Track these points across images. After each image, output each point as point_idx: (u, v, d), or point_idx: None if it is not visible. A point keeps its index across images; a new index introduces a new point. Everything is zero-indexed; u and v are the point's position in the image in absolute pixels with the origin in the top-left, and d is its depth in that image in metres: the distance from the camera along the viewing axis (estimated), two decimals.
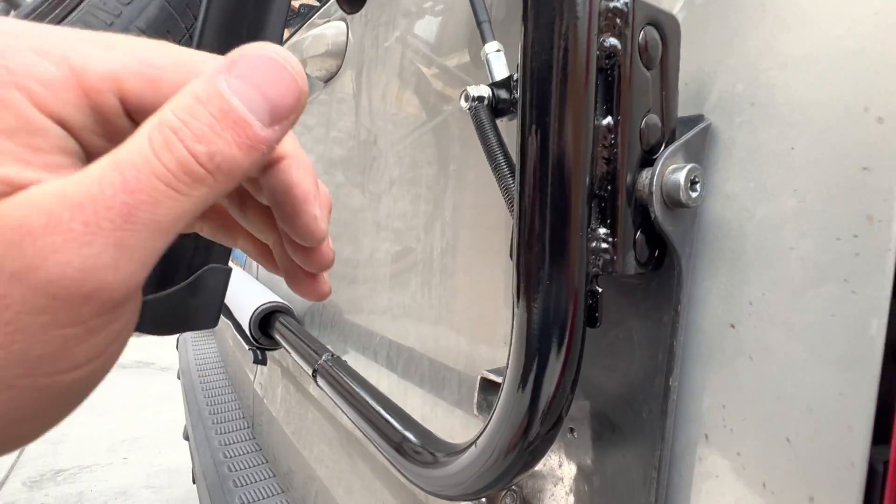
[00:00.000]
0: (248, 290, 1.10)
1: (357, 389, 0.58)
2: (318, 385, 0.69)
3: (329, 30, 0.99)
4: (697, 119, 0.36)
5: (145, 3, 0.47)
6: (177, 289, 0.49)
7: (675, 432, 0.37)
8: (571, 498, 0.43)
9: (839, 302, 0.30)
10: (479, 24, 0.46)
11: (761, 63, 0.34)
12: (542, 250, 0.31)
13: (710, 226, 0.36)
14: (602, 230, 0.32)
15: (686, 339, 0.37)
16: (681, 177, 0.32)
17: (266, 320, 1.00)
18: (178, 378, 2.31)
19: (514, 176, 0.38)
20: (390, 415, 0.50)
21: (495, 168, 0.39)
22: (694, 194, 0.33)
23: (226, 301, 1.13)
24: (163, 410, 3.42)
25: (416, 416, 0.53)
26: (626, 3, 0.31)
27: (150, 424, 3.25)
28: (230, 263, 0.58)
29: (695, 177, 0.32)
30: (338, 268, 0.97)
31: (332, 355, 0.72)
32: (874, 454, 0.28)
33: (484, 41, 0.46)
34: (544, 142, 0.30)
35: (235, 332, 1.08)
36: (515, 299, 0.32)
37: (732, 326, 0.35)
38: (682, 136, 0.35)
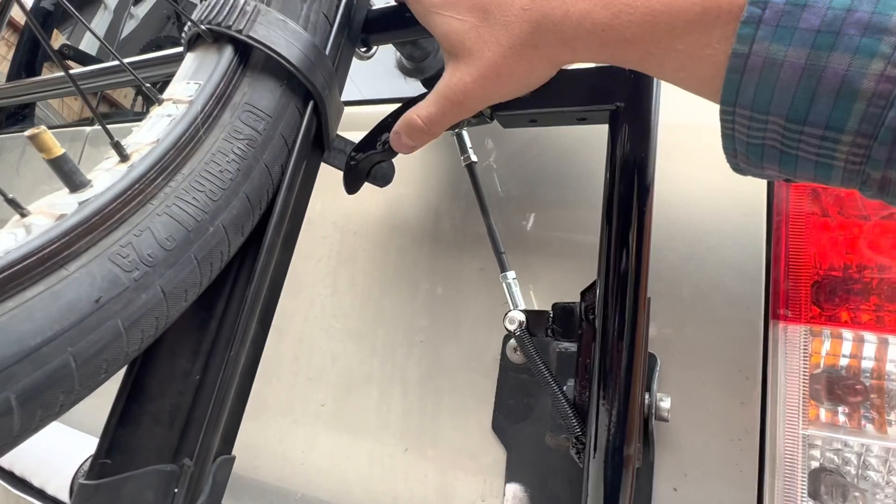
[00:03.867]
0: (56, 438, 0.84)
1: None
2: None
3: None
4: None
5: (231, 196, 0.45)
6: None
7: None
8: None
9: None
10: (497, 254, 0.61)
11: None
12: (613, 458, 0.46)
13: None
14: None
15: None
16: (667, 403, 0.53)
17: None
18: None
19: (558, 388, 0.53)
20: None
21: (544, 384, 0.53)
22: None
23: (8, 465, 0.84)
24: None
25: None
26: None
27: None
28: None
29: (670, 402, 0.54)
30: None
31: None
32: None
33: (503, 269, 0.60)
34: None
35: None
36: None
37: (675, 489, 0.56)
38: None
